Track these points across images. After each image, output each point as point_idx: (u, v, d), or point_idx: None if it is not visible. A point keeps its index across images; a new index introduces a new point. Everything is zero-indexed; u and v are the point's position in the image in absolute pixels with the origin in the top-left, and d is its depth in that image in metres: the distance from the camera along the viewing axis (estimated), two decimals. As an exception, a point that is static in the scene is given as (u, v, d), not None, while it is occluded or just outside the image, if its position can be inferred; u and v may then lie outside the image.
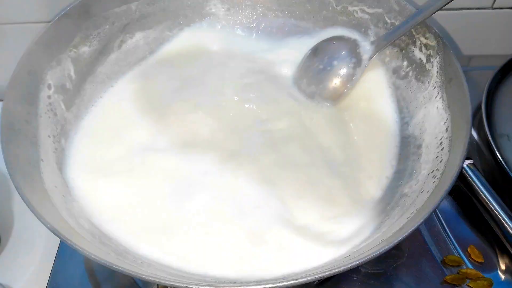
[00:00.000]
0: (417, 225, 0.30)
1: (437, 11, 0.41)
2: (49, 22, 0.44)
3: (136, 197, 0.39)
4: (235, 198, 0.39)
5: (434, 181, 0.36)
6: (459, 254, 0.45)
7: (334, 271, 0.30)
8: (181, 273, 0.34)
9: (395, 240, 0.30)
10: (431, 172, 0.37)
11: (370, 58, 0.46)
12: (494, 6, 0.60)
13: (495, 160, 0.49)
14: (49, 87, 0.43)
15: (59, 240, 0.46)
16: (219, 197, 0.39)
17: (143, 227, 0.37)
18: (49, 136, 0.41)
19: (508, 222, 0.44)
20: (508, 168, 0.47)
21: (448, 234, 0.47)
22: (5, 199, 0.55)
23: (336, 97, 0.47)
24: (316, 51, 0.49)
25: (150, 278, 0.29)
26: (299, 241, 0.37)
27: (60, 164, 0.40)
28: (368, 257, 0.30)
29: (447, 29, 0.62)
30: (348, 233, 0.37)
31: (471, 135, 0.54)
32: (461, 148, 0.35)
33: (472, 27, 0.63)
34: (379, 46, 0.46)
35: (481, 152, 0.53)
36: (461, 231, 0.47)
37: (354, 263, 0.30)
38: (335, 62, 0.47)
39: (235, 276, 0.34)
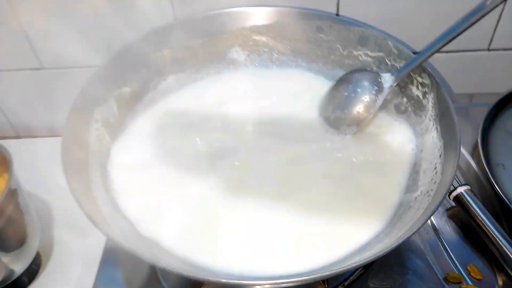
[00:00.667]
0: (413, 232, 0.36)
1: (447, 43, 0.46)
2: (97, 67, 0.52)
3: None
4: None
5: (428, 199, 0.41)
6: (460, 272, 0.49)
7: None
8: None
9: (393, 245, 0.35)
10: (426, 193, 0.43)
11: (391, 86, 0.51)
12: (490, 48, 0.67)
13: (491, 186, 0.54)
14: (96, 121, 0.50)
15: (96, 265, 0.52)
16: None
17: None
18: (95, 163, 0.48)
19: (504, 242, 0.48)
20: (502, 193, 0.52)
21: (449, 254, 0.51)
22: (47, 225, 0.61)
23: (359, 122, 0.52)
24: (340, 81, 0.55)
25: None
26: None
27: (106, 187, 0.47)
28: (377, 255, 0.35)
29: (447, 69, 0.69)
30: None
31: (471, 165, 0.60)
32: (451, 170, 0.40)
33: (470, 67, 0.69)
34: (398, 77, 0.51)
35: (479, 180, 0.58)
36: (461, 251, 0.51)
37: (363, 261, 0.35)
38: (359, 90, 0.52)
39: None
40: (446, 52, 0.67)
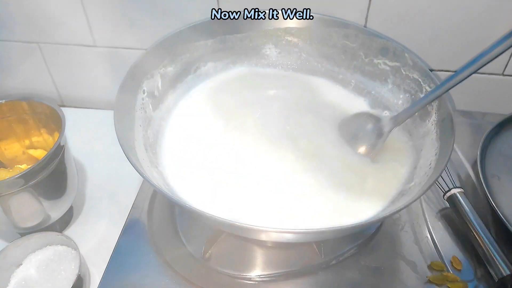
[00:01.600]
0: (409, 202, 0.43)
1: (447, 91, 0.50)
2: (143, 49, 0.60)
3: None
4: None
5: (419, 188, 0.47)
6: (443, 262, 0.55)
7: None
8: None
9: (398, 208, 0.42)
10: (419, 183, 0.49)
11: (390, 131, 0.56)
12: (504, 73, 0.72)
13: (484, 194, 0.59)
14: (143, 92, 0.59)
15: (121, 224, 0.60)
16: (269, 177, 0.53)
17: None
18: (140, 126, 0.56)
19: (487, 243, 0.54)
20: (493, 201, 0.57)
21: (436, 245, 0.57)
22: (82, 184, 0.69)
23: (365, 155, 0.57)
24: (350, 119, 0.60)
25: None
26: None
27: (145, 146, 0.55)
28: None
29: (462, 86, 0.74)
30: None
31: (469, 174, 0.65)
32: (442, 165, 0.46)
33: (484, 88, 0.74)
34: (396, 122, 0.55)
35: (474, 187, 0.64)
36: (447, 244, 0.57)
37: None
38: (361, 134, 0.57)
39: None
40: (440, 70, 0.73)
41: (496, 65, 0.71)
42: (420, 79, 0.58)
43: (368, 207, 0.50)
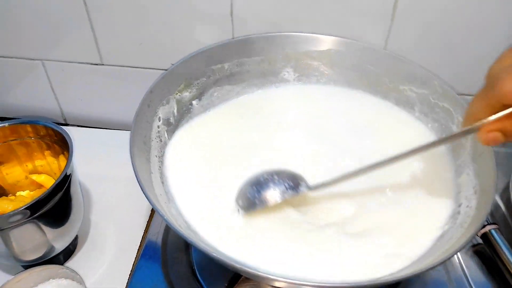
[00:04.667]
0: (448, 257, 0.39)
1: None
2: (165, 70, 0.57)
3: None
4: None
5: (462, 231, 0.44)
6: (481, 307, 0.52)
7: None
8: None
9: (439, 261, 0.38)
10: (460, 225, 0.45)
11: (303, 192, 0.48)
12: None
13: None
14: (159, 119, 0.55)
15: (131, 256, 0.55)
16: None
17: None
18: (156, 156, 0.52)
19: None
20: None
21: (471, 285, 0.54)
22: (86, 207, 0.66)
23: None
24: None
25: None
26: None
27: (162, 179, 0.51)
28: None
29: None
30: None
31: (499, 206, 0.62)
32: (486, 206, 0.43)
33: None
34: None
35: (507, 221, 0.61)
36: (482, 285, 0.54)
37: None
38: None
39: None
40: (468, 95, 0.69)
41: None
42: (451, 108, 0.55)
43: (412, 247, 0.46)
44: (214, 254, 0.38)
